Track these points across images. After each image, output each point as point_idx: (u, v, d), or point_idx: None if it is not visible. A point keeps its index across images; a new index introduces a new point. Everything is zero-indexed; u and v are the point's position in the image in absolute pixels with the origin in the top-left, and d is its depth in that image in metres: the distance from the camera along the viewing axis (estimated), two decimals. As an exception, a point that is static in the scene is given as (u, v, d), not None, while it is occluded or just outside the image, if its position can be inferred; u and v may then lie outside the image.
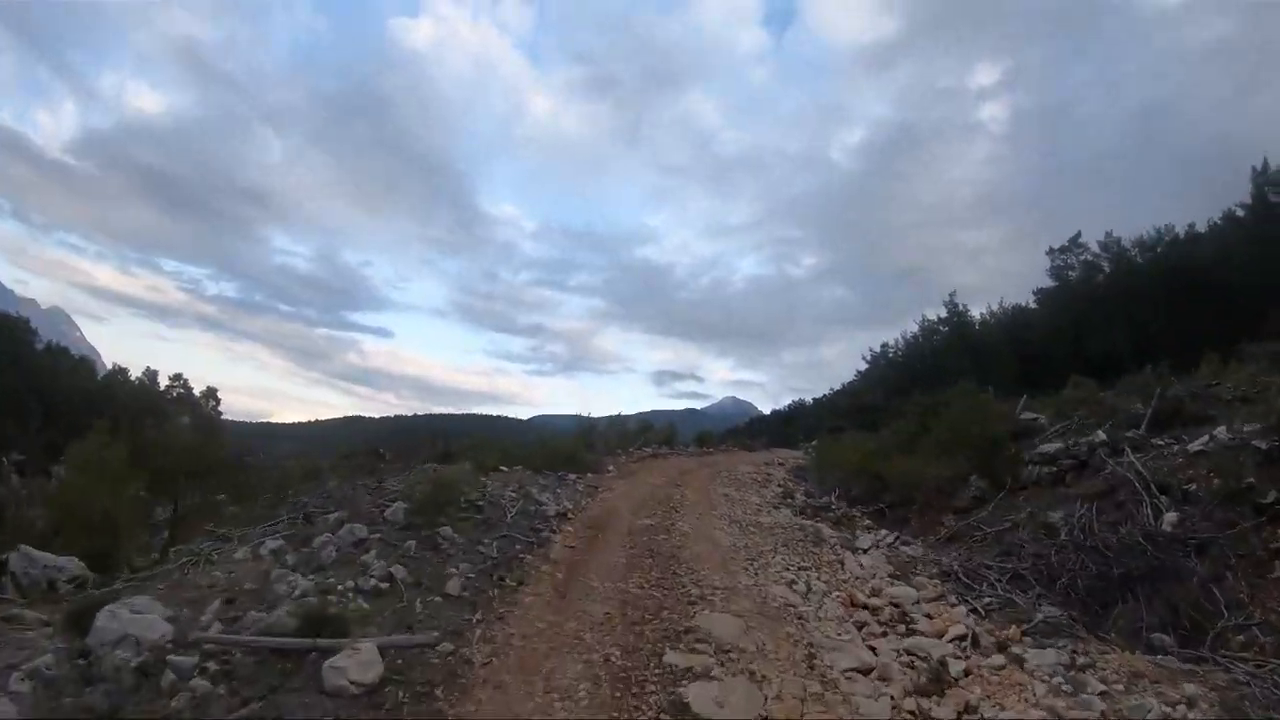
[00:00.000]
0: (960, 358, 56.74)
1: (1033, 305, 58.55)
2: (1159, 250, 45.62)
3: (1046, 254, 52.39)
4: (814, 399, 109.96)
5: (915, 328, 70.82)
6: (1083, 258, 50.99)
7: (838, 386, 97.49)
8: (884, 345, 76.13)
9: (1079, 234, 51.15)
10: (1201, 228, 41.73)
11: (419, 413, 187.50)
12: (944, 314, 62.56)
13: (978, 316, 61.17)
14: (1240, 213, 37.53)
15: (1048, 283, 64.29)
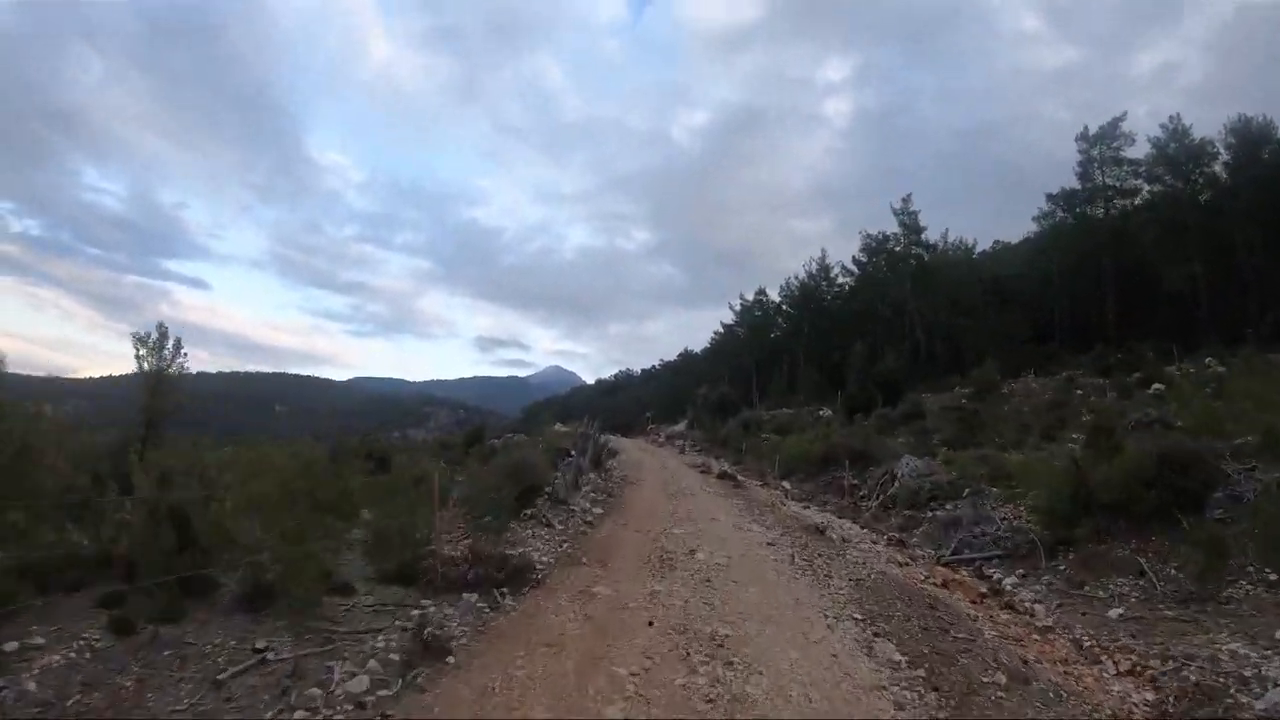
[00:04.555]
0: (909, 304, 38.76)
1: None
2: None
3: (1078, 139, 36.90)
4: (642, 370, 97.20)
5: (803, 272, 53.05)
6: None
7: (671, 359, 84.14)
8: (760, 293, 58.19)
9: (1124, 114, 35.21)
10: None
11: (232, 370, 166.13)
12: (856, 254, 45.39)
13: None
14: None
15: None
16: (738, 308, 59.56)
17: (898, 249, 43.04)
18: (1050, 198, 39.57)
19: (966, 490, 10.24)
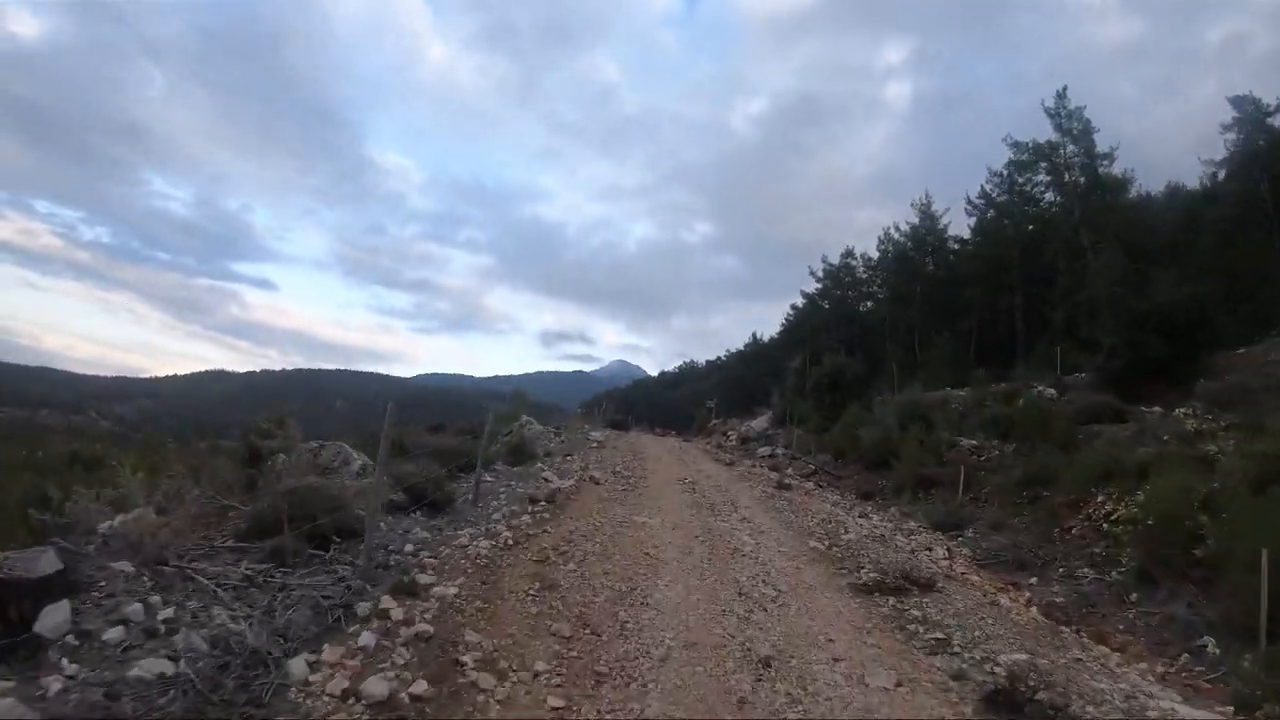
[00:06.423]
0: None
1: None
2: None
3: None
4: (706, 361, 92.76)
5: (904, 224, 40.16)
6: None
7: (739, 348, 74.79)
8: (847, 254, 45.79)
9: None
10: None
11: (298, 367, 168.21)
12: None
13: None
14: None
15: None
16: (819, 273, 47.35)
17: (1059, 161, 30.35)
18: (1237, 102, 26.61)
19: None
